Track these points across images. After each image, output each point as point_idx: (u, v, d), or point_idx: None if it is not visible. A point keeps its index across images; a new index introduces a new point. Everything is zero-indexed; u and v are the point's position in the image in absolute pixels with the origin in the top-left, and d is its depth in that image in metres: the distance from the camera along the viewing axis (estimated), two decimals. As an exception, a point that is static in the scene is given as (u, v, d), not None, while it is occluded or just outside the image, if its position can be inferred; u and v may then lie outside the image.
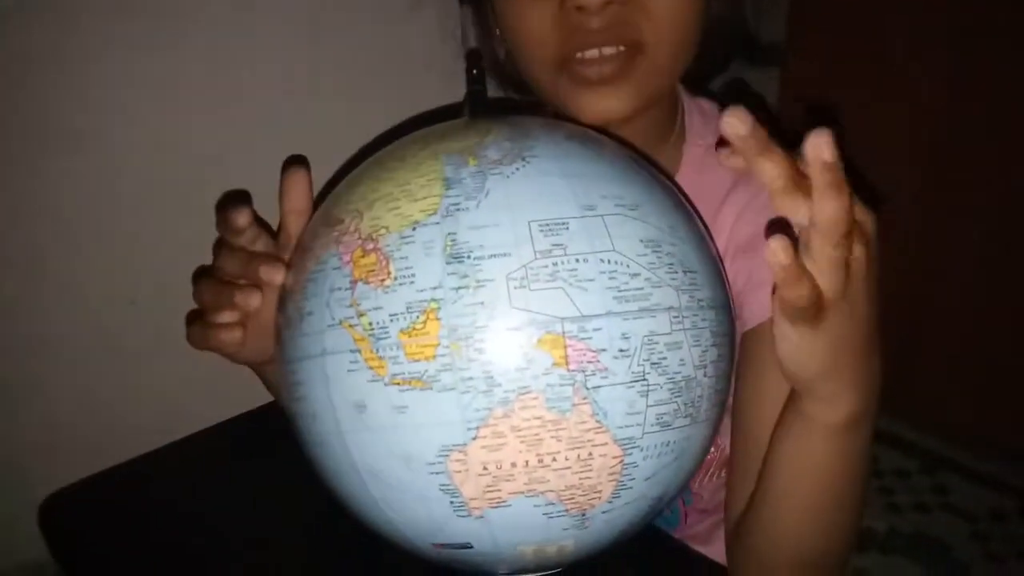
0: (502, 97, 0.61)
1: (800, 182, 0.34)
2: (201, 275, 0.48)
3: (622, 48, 0.50)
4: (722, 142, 0.34)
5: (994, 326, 1.27)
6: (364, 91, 0.71)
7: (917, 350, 1.32)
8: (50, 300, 0.70)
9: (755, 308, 0.56)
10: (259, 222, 0.48)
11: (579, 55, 0.50)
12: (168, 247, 0.72)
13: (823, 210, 0.33)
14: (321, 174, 0.50)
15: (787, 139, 0.35)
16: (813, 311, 0.37)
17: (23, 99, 0.63)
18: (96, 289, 0.72)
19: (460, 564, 0.40)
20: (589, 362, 0.34)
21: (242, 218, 0.46)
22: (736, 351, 0.42)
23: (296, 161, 0.46)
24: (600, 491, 0.36)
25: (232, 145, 0.70)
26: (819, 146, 0.32)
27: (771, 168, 0.34)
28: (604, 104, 0.51)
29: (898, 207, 1.28)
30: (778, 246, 0.33)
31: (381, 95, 0.70)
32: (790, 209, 0.35)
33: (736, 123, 0.32)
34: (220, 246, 0.48)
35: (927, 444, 1.34)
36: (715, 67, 0.63)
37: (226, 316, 0.46)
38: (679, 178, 0.60)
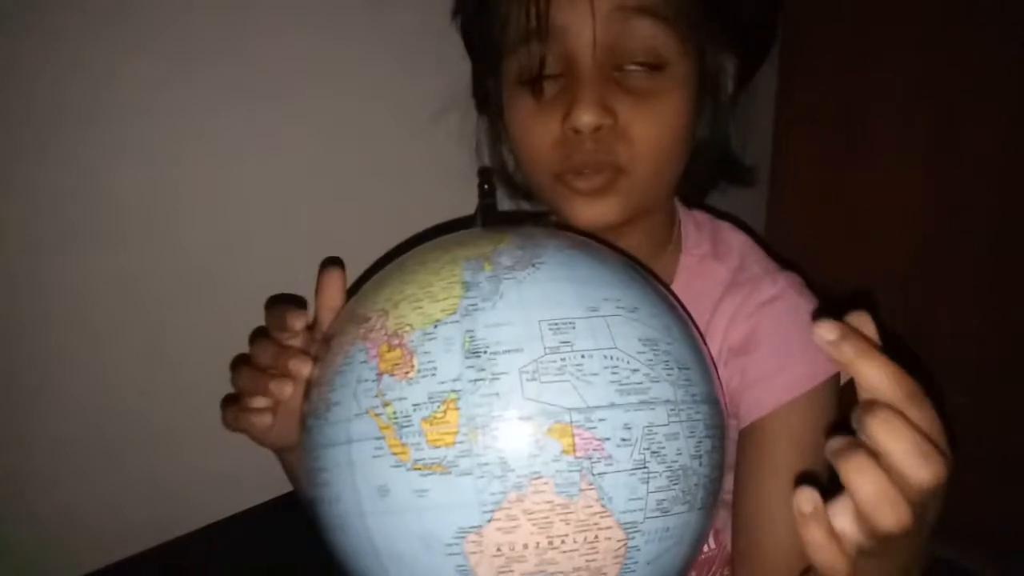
0: (510, 210, 0.67)
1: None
2: (238, 363, 0.52)
3: (609, 166, 0.55)
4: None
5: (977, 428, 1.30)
6: (383, 200, 0.77)
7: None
8: (64, 390, 0.73)
9: (751, 406, 0.59)
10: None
11: (574, 171, 0.56)
12: (180, 342, 0.76)
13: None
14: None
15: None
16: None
17: (44, 193, 0.68)
18: (110, 379, 0.74)
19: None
20: (595, 450, 0.37)
21: (299, 322, 0.50)
22: (727, 443, 0.45)
23: (331, 262, 0.50)
24: (606, 573, 0.38)
25: (252, 247, 0.75)
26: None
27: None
28: (592, 212, 0.56)
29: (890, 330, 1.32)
30: (805, 498, 0.37)
31: (399, 204, 0.76)
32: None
33: (823, 333, 0.36)
34: (256, 336, 0.52)
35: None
36: (703, 186, 0.69)
37: (259, 402, 0.49)
38: (675, 285, 0.64)
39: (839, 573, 0.37)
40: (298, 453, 0.46)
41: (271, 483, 0.73)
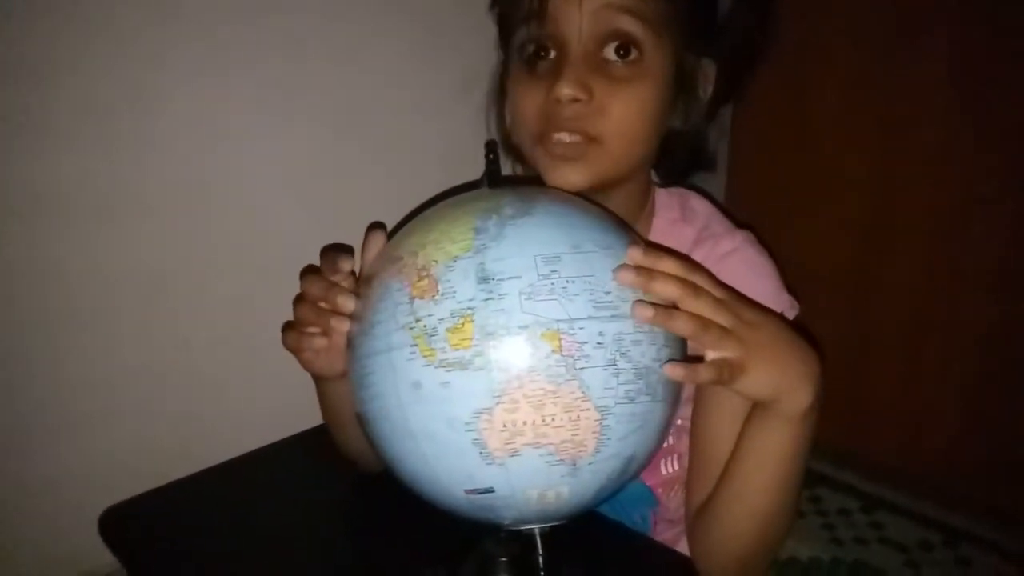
0: (509, 175, 0.78)
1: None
2: (298, 299, 0.63)
3: (582, 134, 0.66)
4: None
5: (920, 386, 1.44)
6: (407, 171, 0.92)
7: (857, 410, 1.49)
8: (118, 343, 0.84)
9: None
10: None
11: (552, 135, 0.67)
12: (217, 300, 0.87)
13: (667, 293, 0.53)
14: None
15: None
16: (731, 370, 0.54)
17: (104, 167, 0.78)
18: (159, 332, 0.85)
19: (482, 510, 0.53)
20: (577, 350, 0.49)
21: (347, 264, 0.61)
22: (684, 352, 0.57)
23: (376, 226, 0.61)
24: (586, 445, 0.50)
25: (287, 216, 0.87)
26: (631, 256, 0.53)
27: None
28: (565, 176, 0.67)
29: (830, 293, 1.46)
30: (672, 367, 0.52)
31: (419, 173, 0.90)
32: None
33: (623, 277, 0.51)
34: (307, 273, 0.62)
35: (866, 487, 1.50)
36: (680, 173, 0.80)
37: (315, 328, 0.60)
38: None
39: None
40: (337, 381, 0.58)
41: (292, 421, 0.85)
